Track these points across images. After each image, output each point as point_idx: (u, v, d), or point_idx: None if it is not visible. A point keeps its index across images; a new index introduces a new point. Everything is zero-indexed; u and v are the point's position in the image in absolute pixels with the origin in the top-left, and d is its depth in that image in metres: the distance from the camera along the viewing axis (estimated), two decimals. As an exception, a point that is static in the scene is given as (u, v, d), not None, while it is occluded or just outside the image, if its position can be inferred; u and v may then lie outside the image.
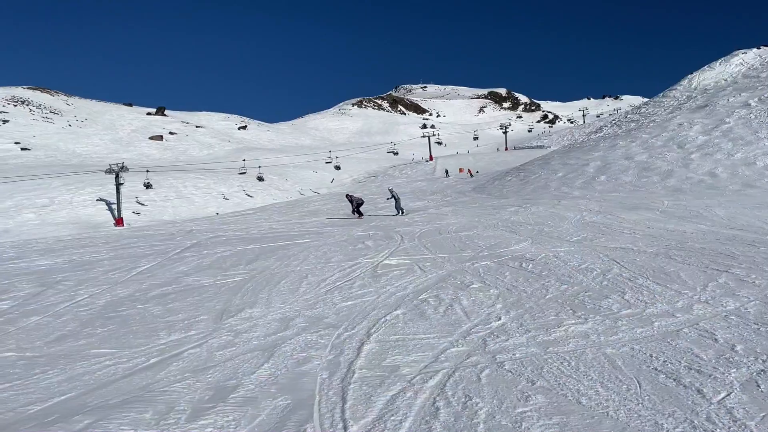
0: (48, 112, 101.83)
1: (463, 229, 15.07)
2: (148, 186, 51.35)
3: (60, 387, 4.79)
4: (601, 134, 48.14)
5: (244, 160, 68.26)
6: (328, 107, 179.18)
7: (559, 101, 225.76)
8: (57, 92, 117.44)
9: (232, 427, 3.82)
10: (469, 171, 54.52)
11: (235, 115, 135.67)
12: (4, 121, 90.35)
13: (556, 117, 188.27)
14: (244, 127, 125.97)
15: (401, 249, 12.03)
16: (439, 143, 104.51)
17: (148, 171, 55.16)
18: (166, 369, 5.15)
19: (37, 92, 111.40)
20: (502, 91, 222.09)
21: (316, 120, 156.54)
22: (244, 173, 60.75)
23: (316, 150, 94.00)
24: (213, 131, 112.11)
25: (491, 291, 7.69)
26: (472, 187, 36.39)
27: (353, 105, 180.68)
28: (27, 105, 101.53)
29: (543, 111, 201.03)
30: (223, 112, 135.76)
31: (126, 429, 3.84)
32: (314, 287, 8.66)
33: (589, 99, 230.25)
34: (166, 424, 3.90)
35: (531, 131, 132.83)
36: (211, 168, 64.99)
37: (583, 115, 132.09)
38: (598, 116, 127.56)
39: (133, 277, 10.24)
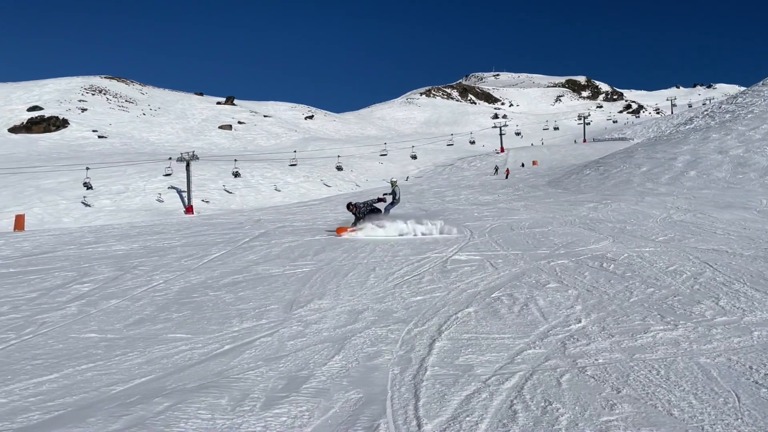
0: (124, 101, 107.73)
1: (537, 226, 14.75)
2: (236, 175, 53.45)
3: (140, 369, 5.09)
4: (692, 126, 45.66)
5: (294, 151, 69.05)
6: (396, 96, 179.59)
7: (645, 90, 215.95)
8: (132, 81, 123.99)
9: (305, 418, 3.94)
10: (507, 171, 51.35)
11: (302, 105, 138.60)
12: (83, 110, 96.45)
13: (640, 107, 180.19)
14: (311, 117, 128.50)
15: (471, 244, 11.93)
16: (518, 134, 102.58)
17: (236, 160, 57.28)
18: (240, 356, 5.36)
19: (114, 81, 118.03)
20: (582, 79, 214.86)
21: (382, 110, 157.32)
22: (295, 165, 61.59)
23: (382, 141, 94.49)
24: (280, 121, 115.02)
25: (569, 291, 7.50)
26: (547, 181, 35.49)
27: (421, 94, 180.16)
28: (104, 94, 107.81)
29: (626, 100, 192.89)
30: (291, 101, 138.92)
31: (203, 413, 4.03)
32: (382, 280, 8.75)
33: (678, 87, 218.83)
34: (241, 411, 4.06)
35: (616, 122, 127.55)
36: (278, 158, 66.68)
37: (672, 105, 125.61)
38: (689, 106, 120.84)
39: (205, 264, 10.70)
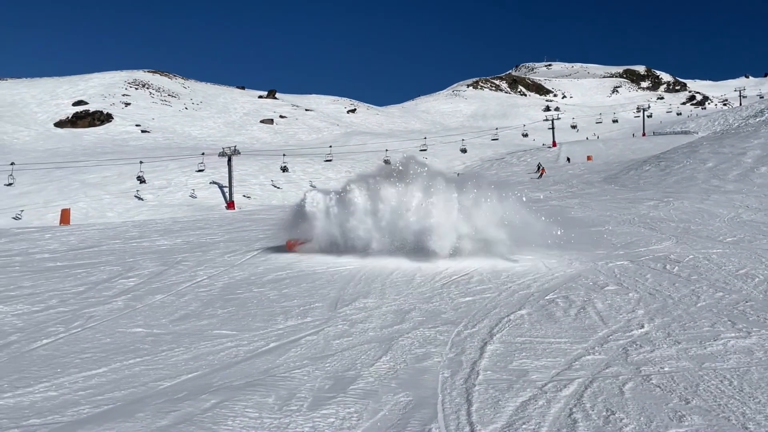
0: (166, 95, 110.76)
1: (593, 225, 14.43)
2: (284, 170, 54.27)
3: (186, 365, 5.23)
4: (763, 118, 43.78)
5: (330, 147, 68.97)
6: (441, 89, 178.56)
7: (710, 80, 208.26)
8: (175, 75, 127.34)
9: (354, 420, 3.96)
10: (542, 169, 48.41)
11: (345, 98, 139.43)
12: (126, 104, 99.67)
13: (705, 98, 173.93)
14: (353, 111, 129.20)
15: (523, 243, 11.75)
16: (574, 127, 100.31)
17: (284, 155, 58.16)
18: (285, 354, 5.44)
19: (157, 75, 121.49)
20: (641, 68, 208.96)
21: (427, 102, 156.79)
22: (330, 161, 61.54)
23: (427, 135, 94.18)
24: (322, 115, 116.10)
25: (630, 295, 7.31)
26: (602, 178, 34.67)
27: (468, 86, 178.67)
28: (147, 88, 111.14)
29: (690, 91, 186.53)
30: (333, 95, 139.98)
31: (251, 412, 4.11)
32: (429, 280, 8.73)
33: (747, 77, 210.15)
34: (288, 410, 4.12)
35: (680, 114, 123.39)
36: (319, 153, 67.27)
37: (740, 96, 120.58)
38: (760, 97, 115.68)
39: (248, 260, 10.91)
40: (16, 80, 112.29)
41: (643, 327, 5.91)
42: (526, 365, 4.95)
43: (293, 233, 11.75)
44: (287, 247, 11.77)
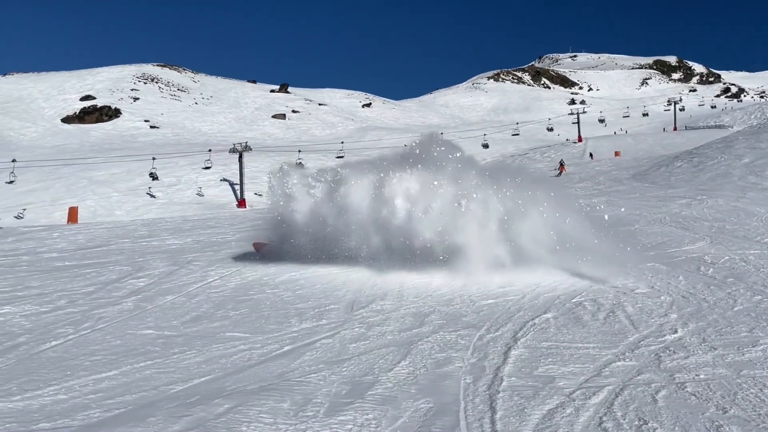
0: (176, 89, 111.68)
1: (622, 224, 14.25)
2: (300, 165, 54.46)
3: (199, 368, 5.27)
4: (804, 111, 43.02)
5: (342, 142, 68.70)
6: (460, 81, 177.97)
7: (746, 71, 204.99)
8: (184, 69, 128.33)
9: (372, 427, 3.96)
10: (561, 167, 46.07)
11: (359, 92, 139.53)
12: (135, 99, 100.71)
13: (740, 90, 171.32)
14: (369, 105, 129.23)
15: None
16: (602, 121, 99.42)
17: (300, 151, 58.37)
18: (300, 358, 5.46)
19: (166, 69, 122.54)
20: (672, 59, 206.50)
21: (446, 96, 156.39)
22: (342, 157, 61.35)
23: (446, 130, 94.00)
24: (336, 109, 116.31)
25: (662, 298, 7.23)
26: (631, 174, 34.32)
27: (489, 78, 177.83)
28: (156, 82, 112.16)
29: (724, 83, 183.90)
30: (347, 89, 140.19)
31: (265, 417, 4.13)
32: (449, 281, 8.69)
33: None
34: (304, 416, 4.13)
35: (714, 107, 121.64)
36: (332, 149, 67.37)
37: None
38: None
39: (260, 260, 10.96)
40: (23, 75, 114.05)
41: (676, 332, 5.84)
42: (553, 371, 4.92)
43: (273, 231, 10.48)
44: (255, 249, 11.26)
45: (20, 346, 6.11)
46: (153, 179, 47.28)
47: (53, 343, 6.18)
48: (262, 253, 10.84)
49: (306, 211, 9.49)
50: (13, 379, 5.05)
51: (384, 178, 8.91)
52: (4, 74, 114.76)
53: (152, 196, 45.58)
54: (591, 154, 57.13)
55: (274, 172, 10.67)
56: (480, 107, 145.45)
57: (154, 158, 49.36)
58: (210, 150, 55.19)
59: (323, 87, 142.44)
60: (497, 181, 9.11)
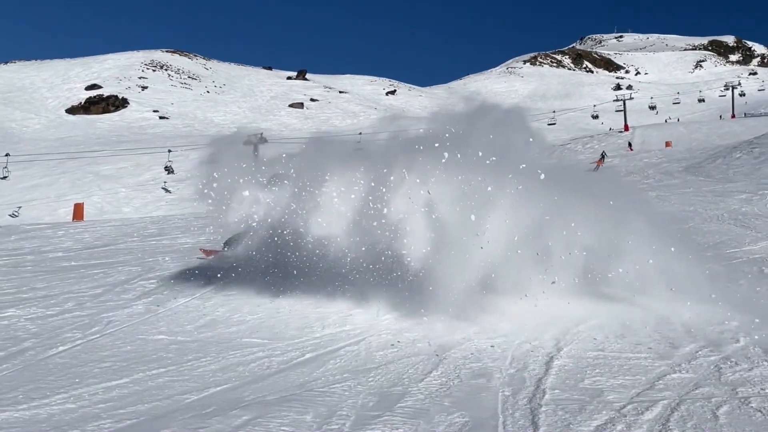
0: (186, 77, 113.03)
1: (674, 221, 14.01)
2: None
3: (215, 377, 5.33)
4: None
5: (360, 133, 68.77)
6: (494, 66, 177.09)
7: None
8: (195, 55, 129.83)
9: (403, 442, 3.96)
10: (599, 160, 43.62)
11: (383, 79, 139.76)
12: (144, 88, 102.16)
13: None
14: (393, 92, 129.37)
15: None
16: (653, 108, 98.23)
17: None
18: (323, 367, 5.49)
19: (176, 56, 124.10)
20: (729, 39, 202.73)
21: (477, 81, 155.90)
22: (362, 149, 61.40)
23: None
24: (358, 97, 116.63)
25: (721, 303, 7.08)
26: (684, 167, 33.79)
27: (525, 62, 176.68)
28: (166, 70, 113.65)
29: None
30: (370, 75, 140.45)
31: (286, 429, 4.15)
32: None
33: None
34: (329, 429, 4.15)
35: None
36: (354, 140, 67.49)
37: None
38: None
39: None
40: (26, 63, 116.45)
41: (738, 341, 5.73)
42: (600, 384, 4.86)
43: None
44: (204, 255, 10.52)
45: (26, 351, 6.24)
46: (168, 173, 47.50)
47: (60, 348, 6.30)
48: (211, 259, 10.25)
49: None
50: (19, 387, 5.16)
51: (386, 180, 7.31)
52: (6, 62, 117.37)
53: (167, 191, 45.94)
54: (630, 144, 56.26)
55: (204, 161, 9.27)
56: (515, 94, 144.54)
57: (170, 150, 49.55)
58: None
59: (344, 73, 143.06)
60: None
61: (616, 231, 7.57)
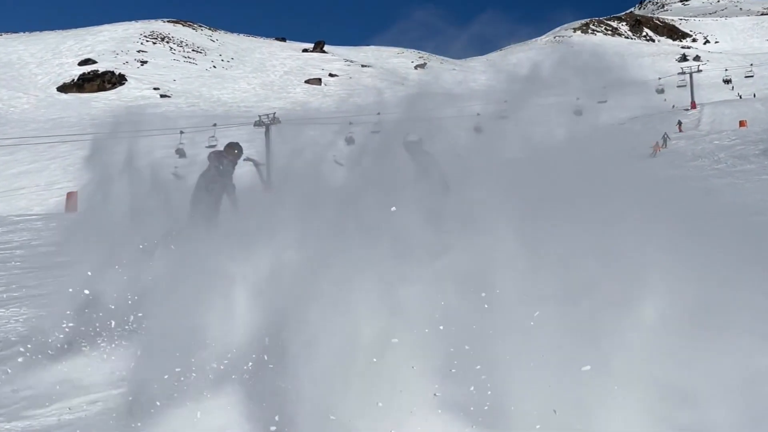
0: (190, 50, 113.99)
1: (751, 213, 13.82)
2: (350, 141, 54.71)
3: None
4: None
5: (378, 113, 68.24)
6: (539, 35, 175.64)
7: None
8: (200, 26, 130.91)
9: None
10: (657, 145, 41.71)
11: (411, 50, 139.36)
12: (143, 62, 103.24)
13: None
14: (423, 66, 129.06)
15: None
16: (728, 81, 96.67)
17: (351, 123, 58.97)
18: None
19: (179, 26, 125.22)
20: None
21: (520, 52, 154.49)
22: (378, 132, 60.97)
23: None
24: (383, 71, 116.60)
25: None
26: (761, 150, 33.24)
27: (575, 30, 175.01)
28: (167, 42, 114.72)
29: None
30: (396, 46, 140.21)
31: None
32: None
33: None
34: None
35: None
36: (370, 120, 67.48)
37: None
38: None
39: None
40: (12, 35, 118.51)
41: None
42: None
43: None
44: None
45: (17, 356, 6.30)
46: (180, 156, 47.64)
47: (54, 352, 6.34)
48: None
49: None
50: (11, 395, 5.22)
51: None
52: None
53: (179, 177, 46.17)
54: (680, 123, 55.27)
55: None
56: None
57: (182, 132, 49.42)
58: (215, 125, 55.41)
59: (367, 45, 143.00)
60: None
61: None
